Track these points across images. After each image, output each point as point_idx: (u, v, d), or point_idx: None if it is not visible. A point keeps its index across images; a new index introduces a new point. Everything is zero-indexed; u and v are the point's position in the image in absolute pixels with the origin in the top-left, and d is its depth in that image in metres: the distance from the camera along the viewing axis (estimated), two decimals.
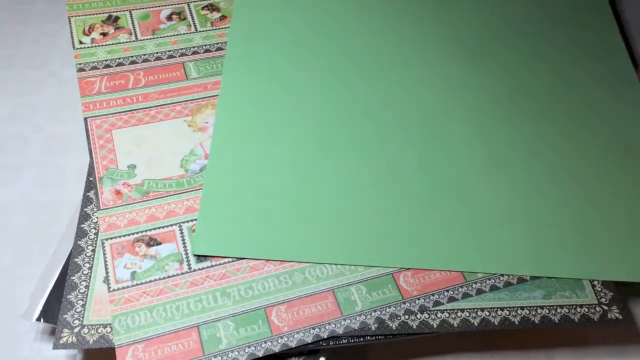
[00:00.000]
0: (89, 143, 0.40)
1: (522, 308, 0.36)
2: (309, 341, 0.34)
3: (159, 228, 0.37)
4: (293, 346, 0.33)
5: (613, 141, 0.45)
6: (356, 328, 0.34)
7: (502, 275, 0.37)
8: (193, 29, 0.48)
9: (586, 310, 0.37)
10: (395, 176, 0.41)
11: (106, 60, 0.45)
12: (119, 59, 0.45)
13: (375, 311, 0.35)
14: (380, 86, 0.46)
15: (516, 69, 0.48)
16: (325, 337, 0.34)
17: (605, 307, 0.37)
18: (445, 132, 0.43)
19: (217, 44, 0.47)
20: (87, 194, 0.38)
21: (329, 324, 0.34)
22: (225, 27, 0.49)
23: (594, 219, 0.40)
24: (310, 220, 0.38)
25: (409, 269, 0.37)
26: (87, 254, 0.36)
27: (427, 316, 0.35)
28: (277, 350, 0.33)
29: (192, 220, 0.38)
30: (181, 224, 0.37)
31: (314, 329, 0.34)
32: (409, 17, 0.51)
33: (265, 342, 0.33)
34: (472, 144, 0.43)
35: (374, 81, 0.46)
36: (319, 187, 0.40)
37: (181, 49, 0.47)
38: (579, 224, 0.40)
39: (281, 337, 0.34)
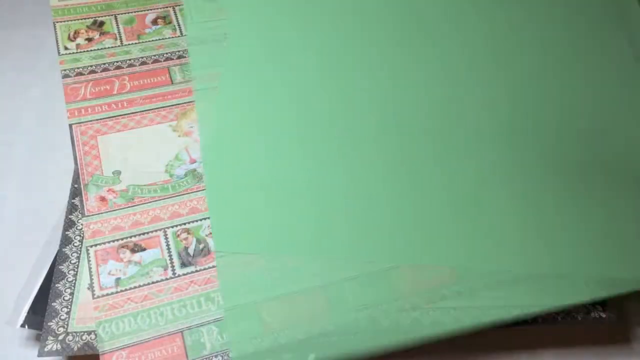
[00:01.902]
0: (73, 150, 0.41)
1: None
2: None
3: (143, 234, 0.37)
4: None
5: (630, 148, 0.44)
6: None
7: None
8: (178, 33, 0.48)
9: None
10: (404, 169, 0.40)
11: (91, 66, 0.45)
12: (104, 64, 0.45)
13: None
14: (388, 72, 0.45)
15: (537, 71, 0.46)
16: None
17: (590, 306, 0.37)
18: (462, 124, 0.43)
19: None
20: (72, 200, 0.39)
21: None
22: None
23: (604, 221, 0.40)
24: (315, 215, 0.38)
25: None
26: (72, 261, 0.36)
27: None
28: None
29: (176, 226, 0.38)
30: (166, 230, 0.38)
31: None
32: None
33: None
34: (490, 140, 0.42)
35: (379, 66, 0.45)
36: (320, 179, 0.39)
37: (166, 53, 0.47)
38: (588, 226, 0.40)
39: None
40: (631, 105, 0.45)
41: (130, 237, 0.37)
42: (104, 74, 0.45)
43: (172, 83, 0.45)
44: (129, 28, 0.48)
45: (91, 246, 0.37)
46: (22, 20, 0.53)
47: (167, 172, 0.40)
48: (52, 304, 0.34)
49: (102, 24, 0.48)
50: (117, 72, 0.45)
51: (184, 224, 0.38)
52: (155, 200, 0.39)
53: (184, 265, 0.36)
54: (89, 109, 0.43)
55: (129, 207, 0.38)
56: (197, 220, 0.38)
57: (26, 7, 0.54)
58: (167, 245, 0.37)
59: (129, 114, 0.43)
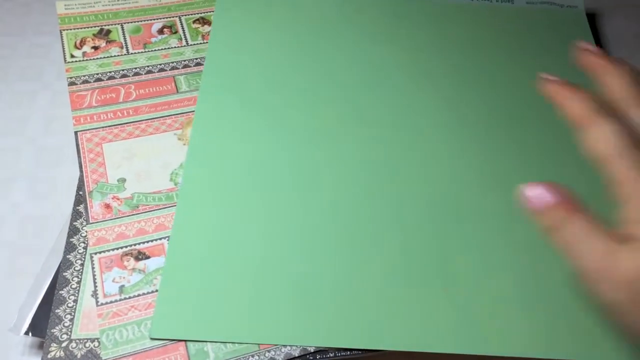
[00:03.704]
0: (79, 157, 0.41)
1: None
2: (296, 355, 0.34)
3: (147, 242, 0.37)
4: None
5: None
6: None
7: None
8: (184, 42, 0.49)
9: None
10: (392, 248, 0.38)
11: (97, 74, 0.45)
12: (110, 72, 0.46)
13: None
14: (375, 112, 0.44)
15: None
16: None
17: None
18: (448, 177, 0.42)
19: None
20: (77, 207, 0.39)
21: None
22: None
23: None
24: (280, 298, 0.35)
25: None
26: (76, 268, 0.36)
27: None
28: None
29: None
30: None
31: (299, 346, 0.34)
32: (396, 30, 0.51)
33: (252, 356, 0.34)
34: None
35: (365, 103, 0.45)
36: (292, 254, 0.37)
37: (172, 63, 0.47)
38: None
39: (268, 351, 0.34)
40: None
41: (135, 244, 0.37)
42: (109, 82, 0.45)
43: (178, 92, 0.45)
44: (135, 37, 0.48)
45: (95, 253, 0.37)
46: (28, 28, 0.53)
47: (172, 180, 0.40)
48: (56, 310, 0.34)
49: (108, 32, 0.48)
50: (123, 80, 0.45)
51: None
52: (160, 209, 0.39)
53: None
54: (95, 117, 0.43)
55: (133, 214, 0.39)
56: None
57: (32, 15, 0.54)
58: None
59: (134, 122, 0.43)
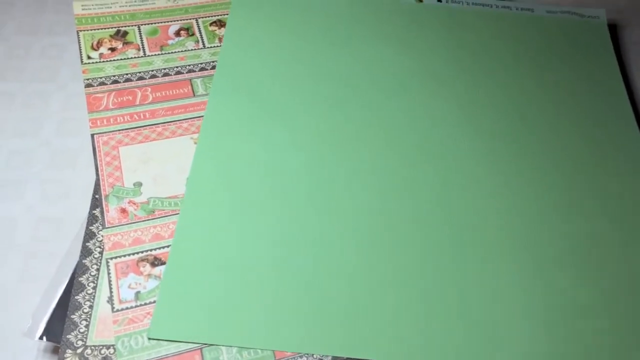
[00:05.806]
0: (95, 160, 0.40)
1: None
2: None
3: (163, 247, 0.37)
4: None
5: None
6: None
7: None
8: (201, 45, 0.48)
9: None
10: (384, 266, 0.37)
11: (114, 76, 0.45)
12: (127, 74, 0.45)
13: None
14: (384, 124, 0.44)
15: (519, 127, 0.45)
16: None
17: None
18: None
19: None
20: (93, 211, 0.38)
21: None
22: None
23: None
24: (283, 305, 0.35)
25: None
26: (92, 273, 0.36)
27: None
28: None
29: None
30: None
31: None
32: (409, 35, 0.51)
33: None
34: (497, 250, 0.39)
35: (376, 115, 0.44)
36: (295, 263, 0.37)
37: (189, 65, 0.47)
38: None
39: None
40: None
41: (151, 250, 0.37)
42: (126, 84, 0.45)
43: (194, 95, 0.45)
44: (152, 39, 0.48)
45: (111, 258, 0.36)
46: (43, 29, 0.53)
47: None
48: (72, 316, 0.34)
49: (125, 33, 0.48)
50: (140, 82, 0.45)
51: None
52: (176, 214, 0.39)
53: None
54: (111, 119, 0.43)
55: (149, 219, 0.38)
56: None
57: (46, 15, 0.54)
58: None
59: (150, 125, 0.43)
